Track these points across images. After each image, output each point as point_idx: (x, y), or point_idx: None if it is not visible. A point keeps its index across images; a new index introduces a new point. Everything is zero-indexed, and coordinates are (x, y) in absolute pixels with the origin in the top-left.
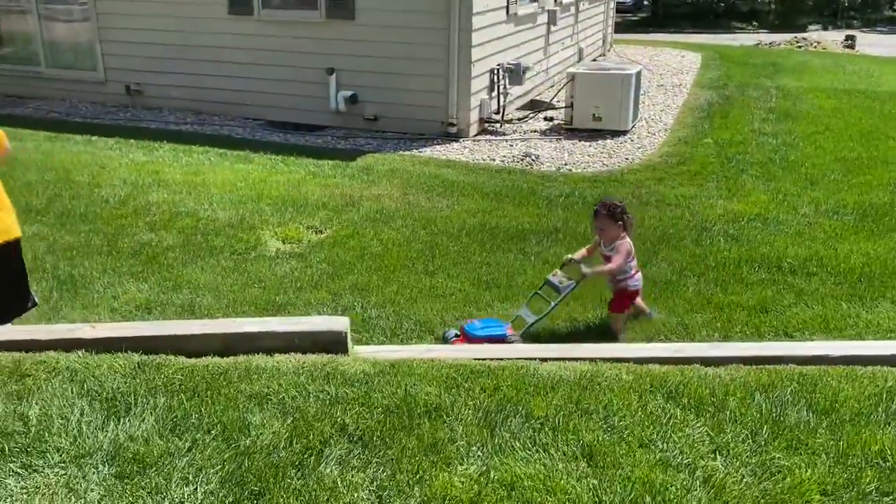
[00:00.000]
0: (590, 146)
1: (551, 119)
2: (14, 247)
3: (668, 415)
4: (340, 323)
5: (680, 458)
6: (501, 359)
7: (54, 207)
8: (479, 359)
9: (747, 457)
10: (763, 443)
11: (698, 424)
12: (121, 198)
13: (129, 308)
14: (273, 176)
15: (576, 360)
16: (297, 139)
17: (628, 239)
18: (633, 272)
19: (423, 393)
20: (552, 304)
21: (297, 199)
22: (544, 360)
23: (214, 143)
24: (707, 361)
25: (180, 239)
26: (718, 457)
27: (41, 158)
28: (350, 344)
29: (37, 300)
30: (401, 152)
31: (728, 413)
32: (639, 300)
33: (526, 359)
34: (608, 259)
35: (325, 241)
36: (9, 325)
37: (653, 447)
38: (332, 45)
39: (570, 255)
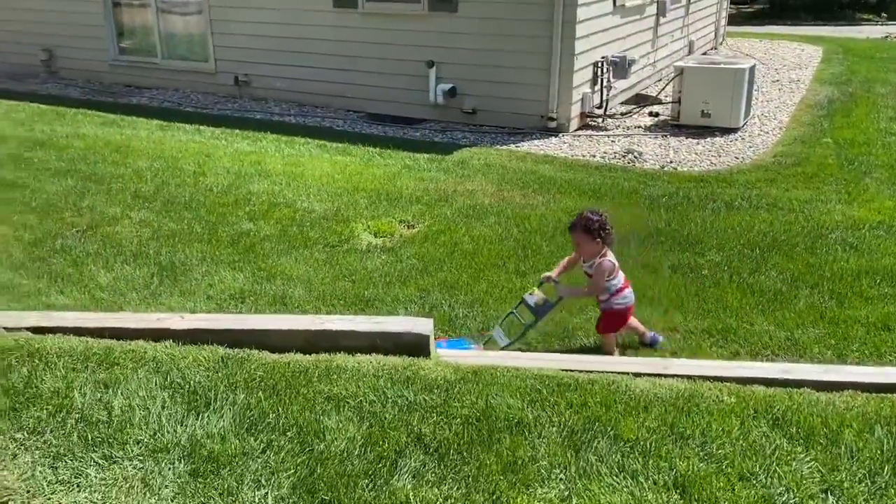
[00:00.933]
0: (697, 144)
1: (657, 114)
2: None
3: (774, 445)
4: (423, 325)
5: (786, 495)
6: (591, 371)
7: (161, 195)
8: (567, 370)
9: (864, 499)
10: (883, 485)
11: (807, 458)
12: (224, 187)
13: (223, 297)
14: (369, 169)
15: (672, 376)
16: (395, 132)
17: (610, 256)
18: (619, 289)
19: (504, 405)
20: (526, 325)
21: (391, 192)
22: (637, 375)
23: (315, 135)
24: (820, 386)
25: (277, 229)
26: (830, 497)
27: (152, 147)
28: (433, 347)
29: None
30: (497, 147)
31: (843, 447)
32: (634, 321)
33: (617, 373)
34: (590, 277)
35: (416, 236)
36: (104, 312)
37: (754, 481)
38: (432, 37)
39: (548, 273)
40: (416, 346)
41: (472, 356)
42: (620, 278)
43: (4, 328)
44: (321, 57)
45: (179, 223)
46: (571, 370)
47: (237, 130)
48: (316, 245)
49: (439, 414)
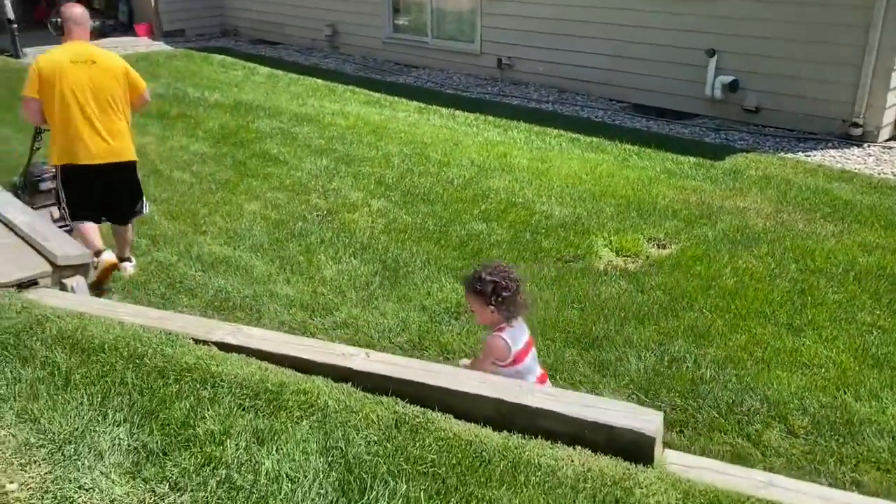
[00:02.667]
0: None
1: None
2: (130, 166)
3: None
4: (649, 422)
5: None
6: None
7: (403, 183)
8: None
9: None
10: None
11: None
12: (464, 180)
13: (438, 309)
14: (623, 171)
15: None
16: (659, 127)
17: (506, 333)
18: None
19: None
20: None
21: (643, 201)
22: None
23: (570, 127)
24: None
25: (509, 234)
26: None
27: (406, 130)
28: (659, 449)
29: (146, 209)
30: (781, 154)
31: None
32: None
33: None
34: None
35: (665, 261)
36: (290, 335)
37: None
38: (715, 23)
39: (463, 360)
40: (634, 447)
41: (712, 468)
42: (528, 374)
43: (193, 339)
44: (588, 41)
45: (414, 217)
46: None
47: (490, 117)
48: (547, 258)
49: None
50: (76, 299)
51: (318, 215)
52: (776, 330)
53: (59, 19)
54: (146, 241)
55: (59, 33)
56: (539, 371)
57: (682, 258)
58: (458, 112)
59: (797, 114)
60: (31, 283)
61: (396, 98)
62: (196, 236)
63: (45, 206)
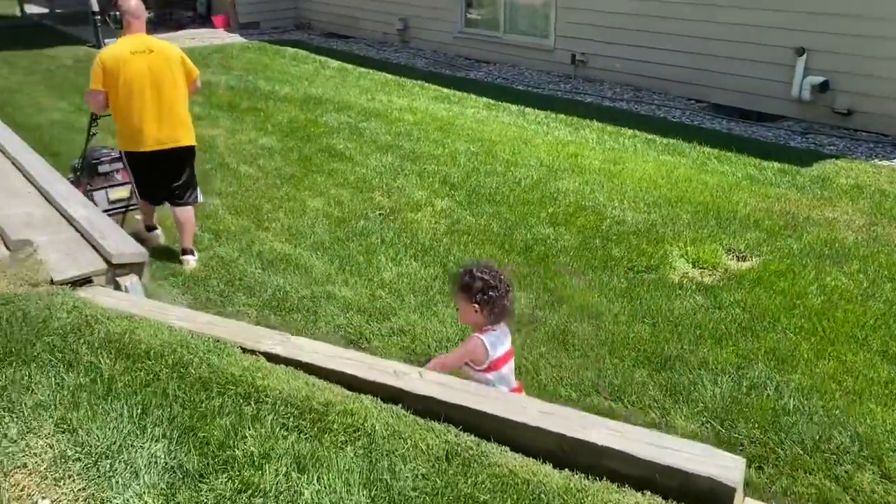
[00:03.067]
0: None
1: None
2: (187, 151)
3: None
4: (728, 469)
5: None
6: None
7: (469, 183)
8: None
9: None
10: None
11: None
12: (532, 181)
13: None
14: (701, 175)
15: None
16: (741, 130)
17: (487, 337)
18: None
19: None
20: None
21: (723, 209)
22: None
23: (645, 127)
24: None
25: (577, 240)
26: None
27: (474, 127)
28: (740, 497)
29: (200, 198)
30: (875, 161)
31: None
32: None
33: None
34: None
35: (746, 275)
36: (340, 348)
37: None
38: (805, 19)
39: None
40: (711, 496)
41: None
42: (501, 384)
43: (241, 347)
44: (668, 37)
45: (478, 218)
46: None
47: (562, 115)
48: (618, 267)
49: None
50: (128, 299)
51: (380, 214)
52: (869, 357)
53: (117, 13)
54: (209, 235)
55: (118, 26)
56: (514, 383)
57: (765, 272)
58: (528, 109)
59: (894, 118)
60: (86, 281)
61: (466, 94)
62: (258, 232)
63: (102, 188)
